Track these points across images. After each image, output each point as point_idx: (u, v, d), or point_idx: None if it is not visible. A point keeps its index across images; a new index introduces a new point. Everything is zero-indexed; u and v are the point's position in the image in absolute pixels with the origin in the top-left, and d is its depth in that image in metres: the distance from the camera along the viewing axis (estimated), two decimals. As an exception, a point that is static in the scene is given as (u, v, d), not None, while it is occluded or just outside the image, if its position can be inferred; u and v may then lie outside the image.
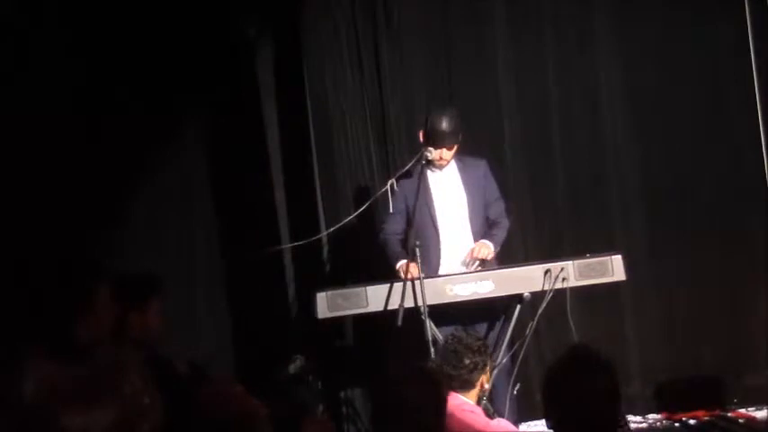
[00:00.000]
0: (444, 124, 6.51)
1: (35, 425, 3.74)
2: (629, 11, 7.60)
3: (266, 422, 3.67)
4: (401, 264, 6.47)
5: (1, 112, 6.04)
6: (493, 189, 6.77)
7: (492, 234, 6.68)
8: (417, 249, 6.32)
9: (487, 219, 6.75)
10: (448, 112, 6.62)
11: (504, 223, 6.76)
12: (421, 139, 6.60)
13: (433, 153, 6.52)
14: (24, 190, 6.02)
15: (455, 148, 6.60)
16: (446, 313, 6.42)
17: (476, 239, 6.66)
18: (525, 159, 7.65)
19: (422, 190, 6.51)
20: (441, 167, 6.65)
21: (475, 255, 6.58)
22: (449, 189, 6.69)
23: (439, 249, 6.64)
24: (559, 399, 3.33)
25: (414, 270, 6.33)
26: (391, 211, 6.64)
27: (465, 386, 5.64)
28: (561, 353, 3.50)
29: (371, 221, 7.00)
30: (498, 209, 6.77)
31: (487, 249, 6.57)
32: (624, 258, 6.54)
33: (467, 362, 5.63)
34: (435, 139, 6.53)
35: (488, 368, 5.79)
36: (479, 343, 5.80)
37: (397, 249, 6.64)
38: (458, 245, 6.67)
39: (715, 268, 7.54)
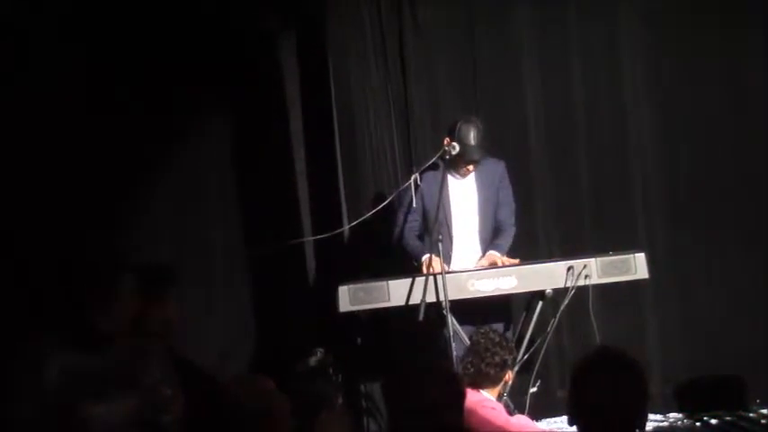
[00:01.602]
0: (476, 140, 6.48)
1: (56, 415, 3.77)
2: (655, 12, 7.57)
3: (288, 417, 3.69)
4: (426, 257, 6.46)
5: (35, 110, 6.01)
6: (506, 191, 6.75)
7: (496, 244, 6.66)
8: (440, 244, 6.32)
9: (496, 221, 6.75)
10: (475, 124, 6.56)
11: (510, 230, 6.74)
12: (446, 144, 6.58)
13: (457, 149, 6.49)
14: (44, 187, 6.00)
15: None
16: (462, 311, 6.41)
17: (482, 245, 6.66)
18: (549, 157, 7.63)
19: (442, 189, 6.50)
20: (465, 176, 6.64)
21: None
22: (465, 193, 6.69)
23: (451, 251, 6.65)
24: (585, 398, 3.32)
25: (436, 265, 6.33)
26: (414, 206, 6.65)
27: (493, 382, 5.67)
28: (588, 351, 3.49)
29: (394, 216, 7.00)
30: (507, 212, 6.75)
31: (497, 260, 6.56)
32: (646, 257, 6.53)
33: (497, 359, 5.66)
34: (467, 155, 6.50)
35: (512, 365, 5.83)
36: (506, 340, 5.83)
37: (418, 243, 6.64)
38: (468, 248, 6.69)
39: (737, 268, 7.52)
